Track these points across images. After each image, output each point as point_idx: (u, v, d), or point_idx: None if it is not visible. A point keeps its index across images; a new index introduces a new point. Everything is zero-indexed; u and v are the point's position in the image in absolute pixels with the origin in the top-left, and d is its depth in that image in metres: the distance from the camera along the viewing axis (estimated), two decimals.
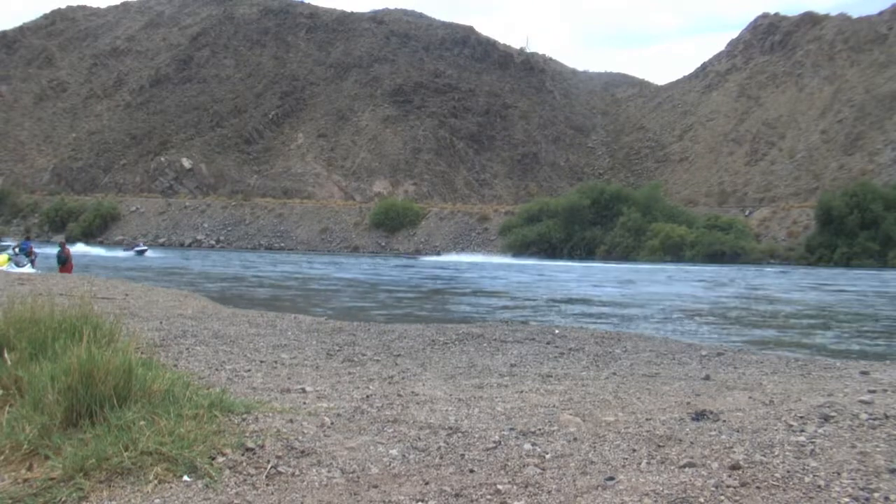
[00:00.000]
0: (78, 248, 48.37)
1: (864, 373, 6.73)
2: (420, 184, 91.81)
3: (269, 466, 3.55)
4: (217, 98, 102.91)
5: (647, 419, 4.43)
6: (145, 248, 58.99)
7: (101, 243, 71.34)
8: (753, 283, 33.55)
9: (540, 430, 4.20)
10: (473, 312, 18.32)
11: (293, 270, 39.70)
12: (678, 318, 17.65)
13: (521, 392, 5.50)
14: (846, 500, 3.05)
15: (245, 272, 36.36)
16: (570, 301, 22.41)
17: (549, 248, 68.60)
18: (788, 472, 3.36)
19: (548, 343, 9.04)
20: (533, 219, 72.13)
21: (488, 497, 3.24)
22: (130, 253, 55.55)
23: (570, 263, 55.73)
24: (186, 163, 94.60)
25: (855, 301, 24.15)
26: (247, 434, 3.90)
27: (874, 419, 4.14)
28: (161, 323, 9.55)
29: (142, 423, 3.69)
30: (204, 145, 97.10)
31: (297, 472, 3.51)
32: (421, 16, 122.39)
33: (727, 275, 40.82)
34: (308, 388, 5.40)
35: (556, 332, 10.34)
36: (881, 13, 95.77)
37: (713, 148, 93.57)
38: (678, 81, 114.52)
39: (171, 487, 3.35)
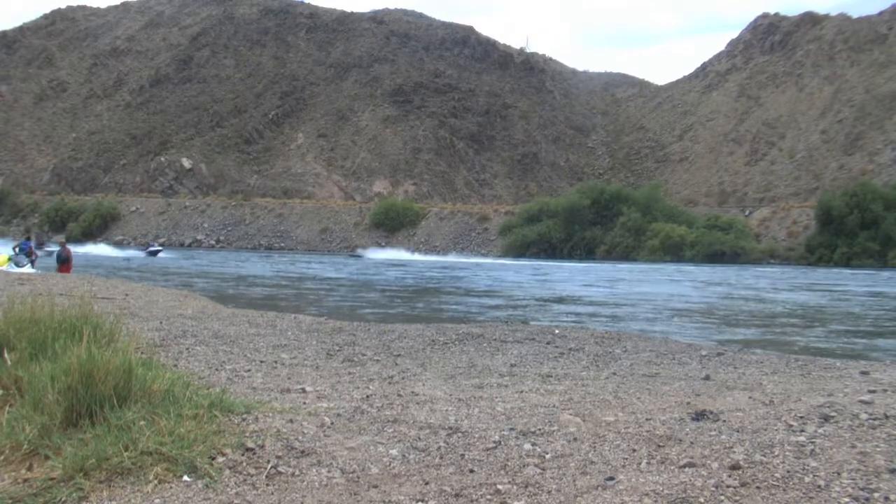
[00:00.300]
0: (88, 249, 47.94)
1: (864, 373, 6.72)
2: (420, 184, 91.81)
3: (269, 466, 3.55)
4: (217, 98, 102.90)
5: (647, 419, 4.43)
6: (159, 248, 55.75)
7: (98, 243, 70.95)
8: (744, 283, 33.58)
9: (540, 430, 4.20)
10: (463, 309, 18.35)
11: (286, 269, 39.73)
12: (664, 317, 17.77)
13: (521, 392, 5.50)
14: (846, 500, 3.05)
15: (241, 272, 36.38)
16: (556, 301, 22.42)
17: (549, 248, 68.61)
18: (788, 472, 3.35)
19: (548, 343, 9.04)
20: (533, 219, 72.15)
21: (488, 497, 3.23)
22: (142, 254, 52.72)
23: (544, 263, 55.68)
24: (186, 163, 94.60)
25: (842, 301, 24.19)
26: (247, 434, 3.90)
27: (874, 419, 4.14)
28: (161, 323, 9.54)
29: (142, 423, 3.69)
30: (204, 145, 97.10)
31: (297, 472, 3.51)
32: (421, 16, 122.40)
33: (720, 275, 40.84)
34: (308, 388, 5.40)
35: (556, 332, 10.34)
36: (881, 13, 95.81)
37: (713, 148, 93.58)
38: (678, 81, 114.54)
39: (171, 487, 3.35)
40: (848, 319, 18.32)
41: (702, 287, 30.71)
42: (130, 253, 54.01)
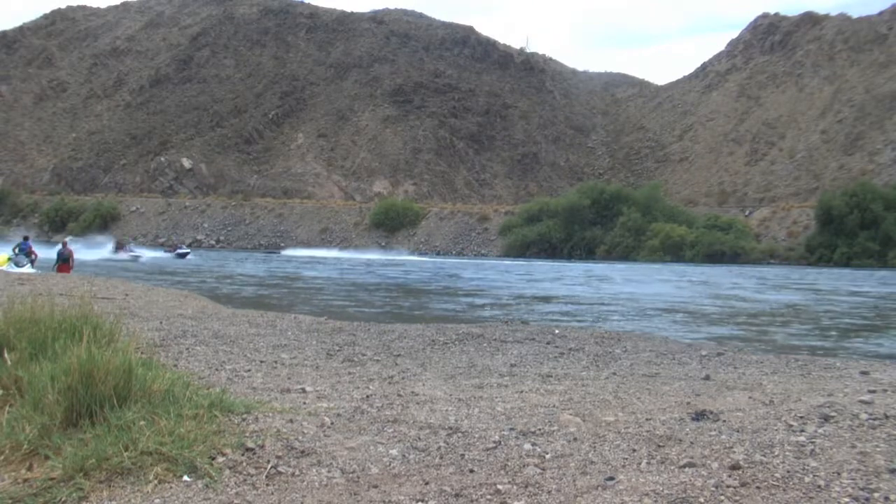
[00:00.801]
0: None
1: (864, 373, 6.72)
2: (420, 184, 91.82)
3: (269, 466, 3.55)
4: (217, 98, 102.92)
5: (647, 419, 4.43)
6: (188, 250, 54.81)
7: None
8: (732, 283, 33.58)
9: (540, 430, 4.19)
10: (448, 305, 18.37)
11: (277, 269, 39.76)
12: (645, 315, 17.94)
13: (521, 392, 5.49)
14: (846, 500, 3.05)
15: (235, 271, 36.43)
16: (541, 300, 22.42)
17: (549, 249, 68.64)
18: (788, 472, 3.35)
19: (548, 343, 9.04)
20: (533, 219, 72.20)
21: (488, 497, 3.23)
22: (170, 255, 51.66)
23: (543, 263, 55.65)
24: (186, 163, 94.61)
25: (825, 300, 24.26)
26: (247, 434, 3.90)
27: (874, 419, 4.14)
28: (161, 323, 9.54)
29: (142, 423, 3.68)
30: (204, 145, 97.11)
31: (297, 472, 3.51)
32: (421, 16, 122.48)
33: (712, 275, 40.84)
34: (308, 388, 5.40)
35: (556, 332, 10.34)
36: (881, 13, 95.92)
37: (713, 148, 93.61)
38: (678, 81, 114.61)
39: (171, 487, 3.35)
40: (826, 318, 18.49)
41: (688, 287, 30.76)
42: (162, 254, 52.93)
